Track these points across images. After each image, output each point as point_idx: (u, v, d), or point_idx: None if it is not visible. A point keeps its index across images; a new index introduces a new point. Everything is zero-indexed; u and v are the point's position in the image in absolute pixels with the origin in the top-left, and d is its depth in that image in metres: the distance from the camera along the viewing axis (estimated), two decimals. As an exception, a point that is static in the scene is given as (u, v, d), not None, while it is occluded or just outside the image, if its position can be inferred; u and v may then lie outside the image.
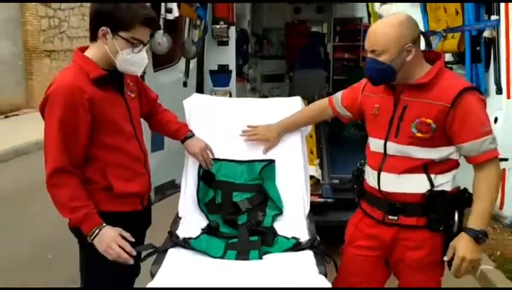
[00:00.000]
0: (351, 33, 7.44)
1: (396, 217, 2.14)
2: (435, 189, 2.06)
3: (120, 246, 1.96)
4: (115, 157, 2.10)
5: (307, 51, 6.80)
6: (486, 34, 2.90)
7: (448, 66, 3.47)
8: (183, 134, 2.50)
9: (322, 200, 3.80)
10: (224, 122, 2.64)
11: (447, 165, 2.10)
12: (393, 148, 2.10)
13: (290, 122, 2.58)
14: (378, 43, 2.01)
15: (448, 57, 3.52)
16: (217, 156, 2.49)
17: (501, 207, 2.95)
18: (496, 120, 2.93)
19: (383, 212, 2.17)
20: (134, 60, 2.07)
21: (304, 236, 2.17)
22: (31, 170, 7.15)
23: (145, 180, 2.28)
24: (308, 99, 5.22)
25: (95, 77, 2.01)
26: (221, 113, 2.69)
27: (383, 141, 2.12)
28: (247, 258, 2.04)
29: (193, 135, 2.51)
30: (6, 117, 10.84)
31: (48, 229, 4.84)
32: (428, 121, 2.01)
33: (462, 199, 2.10)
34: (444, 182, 2.08)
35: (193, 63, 3.96)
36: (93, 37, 2.05)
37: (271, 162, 2.51)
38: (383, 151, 2.13)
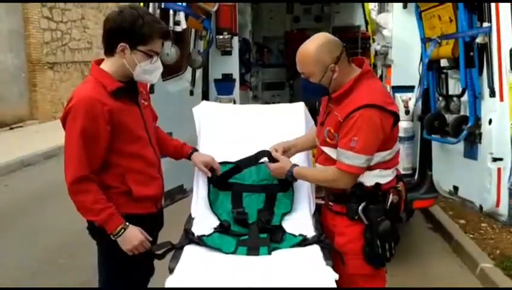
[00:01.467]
0: (349, 41, 7.56)
1: (331, 204, 2.44)
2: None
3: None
4: (133, 163, 2.22)
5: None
6: (479, 40, 3.06)
7: (444, 71, 3.63)
8: (188, 150, 2.60)
9: (324, 202, 3.92)
10: (233, 128, 2.77)
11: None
12: (321, 147, 2.40)
13: (299, 145, 2.66)
14: (303, 68, 2.27)
15: (443, 62, 3.66)
16: (226, 160, 2.61)
17: (497, 205, 3.09)
18: (490, 122, 3.08)
19: (328, 199, 2.48)
20: (151, 70, 2.20)
21: (311, 233, 2.29)
22: (37, 180, 7.31)
23: (159, 184, 2.42)
24: (309, 106, 5.36)
25: (112, 89, 2.13)
26: (230, 119, 2.83)
27: (317, 139, 2.44)
28: (257, 254, 2.17)
29: (197, 150, 2.62)
30: (10, 129, 10.98)
31: (58, 236, 4.99)
32: (332, 130, 2.28)
33: (374, 193, 2.28)
34: (364, 178, 2.26)
35: (199, 73, 4.10)
36: (110, 52, 2.16)
37: None
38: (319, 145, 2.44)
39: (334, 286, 1.84)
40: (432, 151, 3.94)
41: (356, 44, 7.33)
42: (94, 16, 15.10)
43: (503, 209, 3.08)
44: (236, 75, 4.54)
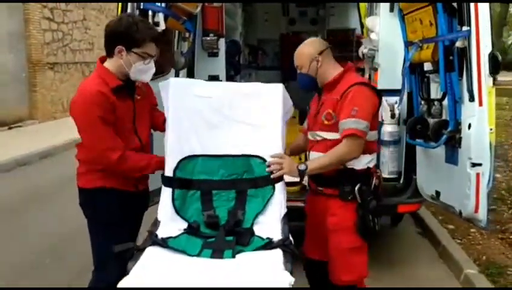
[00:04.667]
0: (344, 44, 7.55)
1: (322, 188, 2.78)
2: (347, 166, 2.65)
3: None
4: None
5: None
6: (458, 44, 3.02)
7: (426, 75, 3.60)
8: None
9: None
10: (204, 112, 2.57)
11: None
12: (313, 134, 2.79)
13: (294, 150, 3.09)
14: (297, 61, 2.79)
15: (428, 66, 3.63)
16: (194, 152, 2.51)
17: (476, 211, 3.06)
18: (469, 126, 3.05)
19: (315, 184, 2.82)
20: (145, 70, 2.51)
21: (278, 236, 2.27)
22: (30, 180, 7.33)
23: None
24: (304, 109, 5.33)
25: (114, 86, 2.44)
26: (200, 101, 2.59)
27: (311, 132, 2.83)
28: (221, 257, 2.14)
29: None
30: (9, 128, 11.03)
31: (47, 236, 4.98)
32: (330, 111, 2.67)
33: (365, 175, 2.71)
34: (354, 162, 2.65)
35: (182, 74, 4.09)
36: (110, 54, 2.48)
37: (250, 156, 2.54)
38: (312, 138, 2.82)
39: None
40: (417, 156, 3.91)
41: (351, 47, 7.32)
42: (96, 17, 15.19)
43: (481, 215, 3.04)
44: (222, 77, 4.53)
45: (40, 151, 8.82)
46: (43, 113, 12.41)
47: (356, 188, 2.65)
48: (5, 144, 9.25)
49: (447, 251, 4.54)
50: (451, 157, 3.28)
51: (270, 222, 2.44)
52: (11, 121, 11.30)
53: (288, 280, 1.85)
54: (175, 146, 2.49)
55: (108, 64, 2.51)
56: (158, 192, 2.59)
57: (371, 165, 2.77)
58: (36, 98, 12.28)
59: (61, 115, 13.00)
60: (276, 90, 2.67)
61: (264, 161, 2.51)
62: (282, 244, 2.16)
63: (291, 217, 3.83)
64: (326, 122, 2.68)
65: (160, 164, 2.55)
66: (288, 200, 3.95)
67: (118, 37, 2.43)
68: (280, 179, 2.52)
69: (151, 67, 2.53)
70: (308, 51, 2.75)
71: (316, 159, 2.70)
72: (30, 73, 12.09)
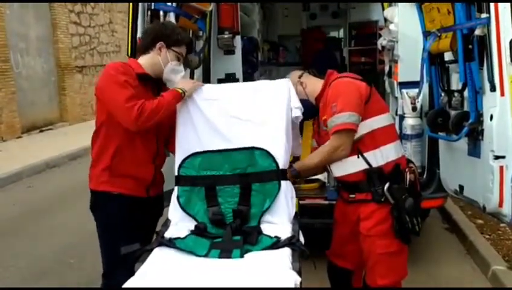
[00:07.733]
0: (367, 36, 7.41)
1: (353, 195, 2.67)
2: (373, 166, 2.56)
3: None
4: (127, 141, 2.48)
5: (323, 57, 6.84)
6: (477, 32, 2.90)
7: (446, 65, 3.48)
8: None
9: (327, 202, 3.86)
10: (210, 114, 2.56)
11: (368, 144, 2.57)
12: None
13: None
14: None
15: (449, 56, 3.50)
16: (198, 149, 2.48)
17: (500, 205, 2.93)
18: (491, 117, 2.93)
19: (347, 193, 2.71)
20: (176, 70, 2.61)
21: (286, 235, 2.22)
22: (59, 182, 7.51)
23: (150, 171, 2.61)
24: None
25: (138, 72, 2.50)
26: (207, 104, 2.58)
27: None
28: (229, 257, 2.11)
29: None
30: (41, 131, 11.32)
31: (73, 236, 5.07)
32: (325, 117, 2.60)
33: (395, 172, 2.58)
34: (376, 157, 2.57)
35: (198, 73, 4.08)
36: (147, 50, 2.60)
37: (253, 149, 2.46)
38: None
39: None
40: (439, 149, 3.79)
41: (374, 40, 7.17)
42: (122, 20, 15.41)
43: (506, 209, 2.91)
44: (239, 75, 4.50)
45: (69, 153, 9.02)
46: (72, 115, 12.69)
47: (385, 188, 2.53)
48: (37, 147, 9.51)
49: (474, 246, 4.39)
50: (474, 150, 3.16)
51: (278, 221, 2.39)
52: (42, 124, 11.60)
53: (294, 279, 1.80)
54: (182, 149, 2.50)
55: (142, 60, 2.59)
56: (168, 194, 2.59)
57: (395, 157, 2.61)
58: (66, 101, 12.57)
59: (91, 117, 13.25)
60: (283, 87, 2.62)
61: (268, 153, 2.43)
62: (289, 243, 2.11)
63: (312, 214, 3.83)
64: (327, 129, 2.60)
65: (172, 91, 2.49)
66: (308, 197, 4.00)
67: (163, 35, 2.59)
68: (285, 175, 2.46)
69: (181, 70, 2.65)
70: (292, 81, 2.78)
71: (306, 159, 2.73)
72: (59, 76, 12.38)
